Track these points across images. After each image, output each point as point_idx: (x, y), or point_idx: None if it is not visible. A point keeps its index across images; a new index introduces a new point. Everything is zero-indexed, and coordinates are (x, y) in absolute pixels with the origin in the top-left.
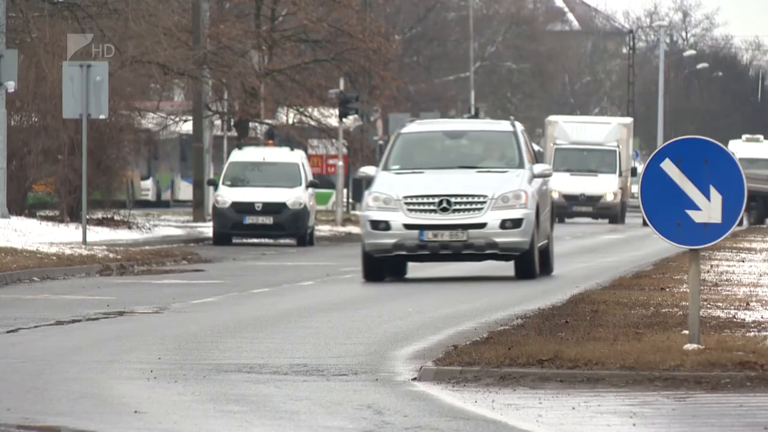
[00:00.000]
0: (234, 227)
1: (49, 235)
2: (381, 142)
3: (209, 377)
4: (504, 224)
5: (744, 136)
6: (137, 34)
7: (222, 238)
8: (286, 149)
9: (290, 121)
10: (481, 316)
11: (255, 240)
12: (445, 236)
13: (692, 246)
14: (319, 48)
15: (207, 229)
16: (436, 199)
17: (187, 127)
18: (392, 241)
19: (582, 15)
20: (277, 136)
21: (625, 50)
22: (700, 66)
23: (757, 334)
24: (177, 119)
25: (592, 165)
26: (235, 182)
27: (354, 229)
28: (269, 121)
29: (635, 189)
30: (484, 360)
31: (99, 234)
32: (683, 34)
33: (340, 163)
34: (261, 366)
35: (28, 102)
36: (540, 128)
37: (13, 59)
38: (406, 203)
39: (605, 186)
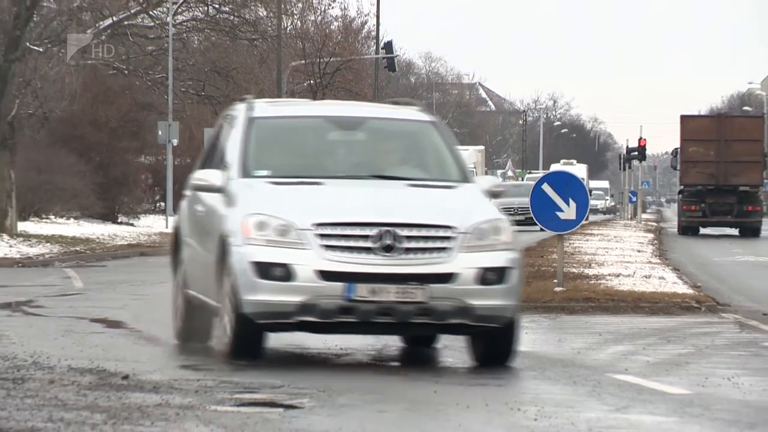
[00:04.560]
0: None
1: None
2: None
3: None
4: (484, 276)
5: (562, 161)
6: None
7: None
8: None
9: None
10: None
11: None
12: (391, 294)
13: (559, 232)
14: None
15: None
16: (373, 230)
17: None
18: (298, 299)
19: (497, 102)
20: None
21: (520, 122)
22: (563, 131)
23: (595, 282)
24: None
25: None
26: None
27: None
28: None
29: None
30: None
31: None
32: (554, 112)
33: None
34: None
35: (184, 150)
36: None
37: (176, 127)
38: (322, 235)
39: None
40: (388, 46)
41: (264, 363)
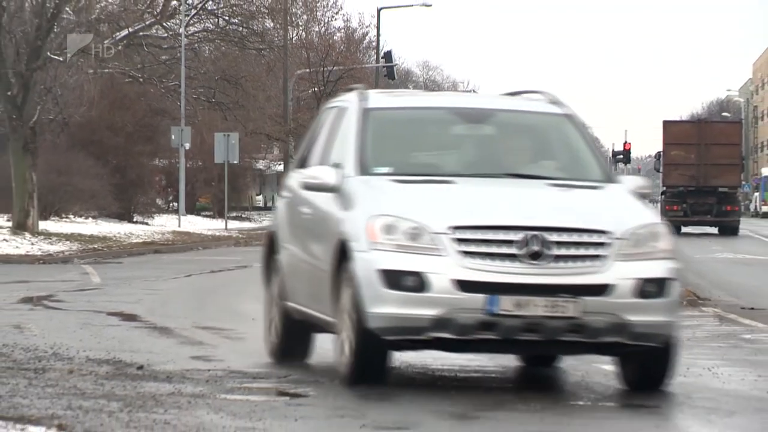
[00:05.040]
0: None
1: (207, 225)
2: None
3: None
4: (643, 288)
5: None
6: (254, 119)
7: None
8: None
9: None
10: None
11: None
12: (539, 308)
13: None
14: None
15: None
16: (518, 235)
17: (279, 167)
18: (432, 312)
19: None
20: None
21: None
22: None
23: None
24: (275, 164)
25: None
26: None
27: None
28: None
29: None
30: None
31: (234, 224)
32: None
33: None
34: None
35: (195, 154)
36: None
37: (188, 131)
38: (459, 240)
39: None
40: (388, 55)
41: (267, 356)
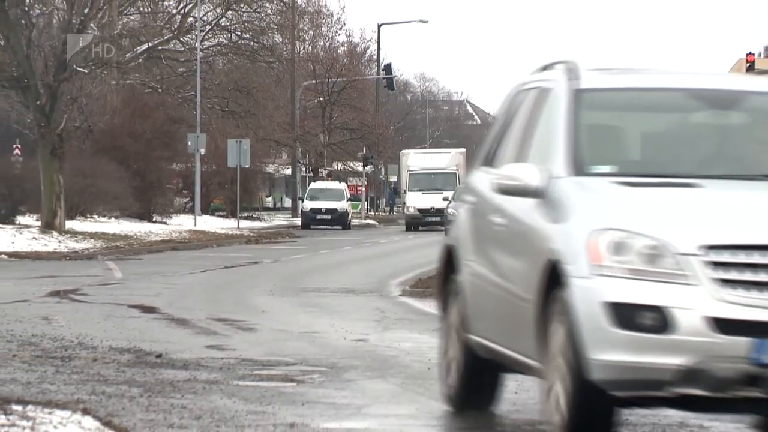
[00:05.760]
0: (311, 221)
1: (221, 224)
2: (383, 178)
3: (299, 294)
4: None
5: None
6: (264, 126)
7: (305, 226)
8: (336, 182)
9: (339, 168)
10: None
11: (321, 227)
12: None
13: None
14: (353, 132)
15: (297, 221)
16: None
17: (287, 171)
18: (679, 361)
19: (482, 116)
20: (332, 175)
21: None
22: None
23: None
24: (283, 168)
25: (437, 185)
26: (312, 198)
27: (370, 222)
28: (329, 168)
29: None
30: (433, 285)
31: (245, 224)
32: None
33: (363, 188)
34: (324, 288)
35: (210, 158)
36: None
37: (203, 138)
38: (715, 264)
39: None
40: (388, 68)
41: (276, 345)
